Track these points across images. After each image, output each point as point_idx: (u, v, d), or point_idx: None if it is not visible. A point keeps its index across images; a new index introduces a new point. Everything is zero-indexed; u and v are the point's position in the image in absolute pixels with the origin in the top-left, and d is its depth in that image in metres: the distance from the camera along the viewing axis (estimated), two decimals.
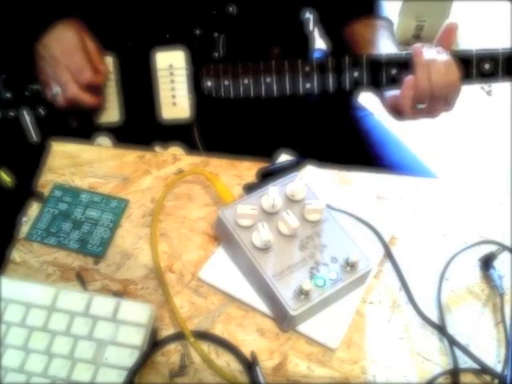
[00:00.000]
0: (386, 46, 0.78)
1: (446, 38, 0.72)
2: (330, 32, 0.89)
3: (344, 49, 0.84)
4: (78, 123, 0.77)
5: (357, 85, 0.74)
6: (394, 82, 0.73)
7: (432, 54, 0.70)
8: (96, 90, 0.74)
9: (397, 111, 0.74)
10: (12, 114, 0.76)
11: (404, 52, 0.73)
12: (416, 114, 0.73)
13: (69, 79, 0.71)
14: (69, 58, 0.72)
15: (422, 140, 1.58)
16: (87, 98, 0.73)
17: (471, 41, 2.04)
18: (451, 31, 0.72)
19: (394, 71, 0.72)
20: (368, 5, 0.85)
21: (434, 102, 0.71)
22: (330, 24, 0.88)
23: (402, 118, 0.75)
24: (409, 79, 0.70)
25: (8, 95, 0.76)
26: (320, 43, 0.93)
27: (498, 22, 2.02)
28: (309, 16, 0.86)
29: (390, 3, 0.89)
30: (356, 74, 0.73)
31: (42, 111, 0.76)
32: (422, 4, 1.94)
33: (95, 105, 0.75)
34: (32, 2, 0.73)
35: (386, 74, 0.73)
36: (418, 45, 0.71)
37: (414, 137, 1.08)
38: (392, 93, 0.74)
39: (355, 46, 0.82)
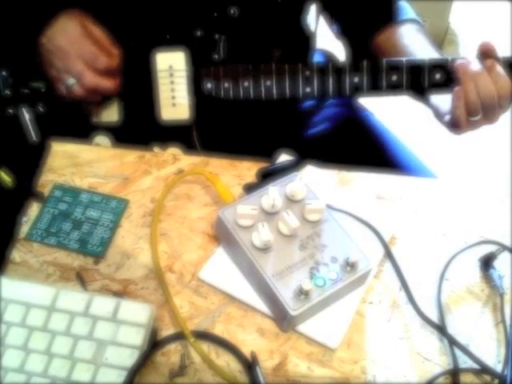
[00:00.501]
0: (419, 50, 0.77)
1: (486, 55, 0.69)
2: (354, 45, 0.88)
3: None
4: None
5: (357, 90, 0.74)
6: (394, 87, 0.73)
7: (477, 67, 0.69)
8: (113, 73, 0.73)
9: (455, 126, 0.72)
10: (11, 111, 0.76)
11: (404, 58, 0.72)
12: (473, 125, 0.72)
13: (84, 68, 0.71)
14: (78, 47, 0.71)
15: (422, 140, 1.58)
16: (107, 83, 0.72)
17: (471, 41, 2.04)
18: (488, 50, 0.69)
19: (394, 77, 0.72)
20: (386, 13, 0.84)
21: (487, 112, 0.70)
22: (353, 37, 0.87)
23: (461, 132, 0.73)
24: (457, 91, 0.69)
25: (7, 92, 0.76)
26: (321, 44, 0.93)
27: (498, 22, 2.02)
28: (311, 18, 0.86)
29: None
30: (356, 79, 0.73)
31: (41, 108, 0.76)
32: (422, 4, 1.94)
33: (115, 88, 0.74)
34: None
35: (386, 79, 0.72)
36: (462, 60, 0.70)
37: (414, 137, 1.08)
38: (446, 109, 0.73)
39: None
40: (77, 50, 0.71)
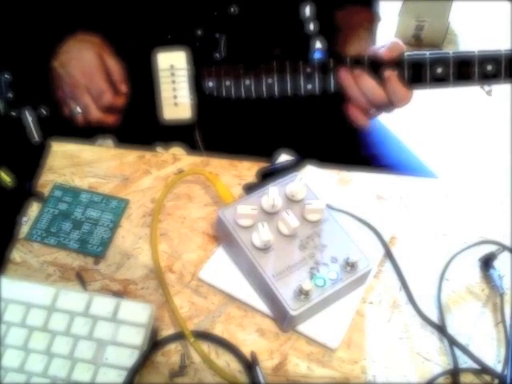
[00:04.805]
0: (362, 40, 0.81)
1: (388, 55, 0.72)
2: (321, 14, 0.89)
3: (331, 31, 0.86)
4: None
5: None
6: None
7: (360, 76, 0.72)
8: (115, 111, 0.75)
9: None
10: (14, 113, 0.76)
11: (406, 53, 0.73)
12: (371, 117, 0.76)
13: (90, 102, 0.73)
14: (88, 79, 0.72)
15: (422, 140, 1.58)
16: (108, 120, 0.74)
17: (471, 41, 2.05)
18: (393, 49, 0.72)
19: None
20: None
21: (381, 110, 0.75)
22: (323, 8, 0.88)
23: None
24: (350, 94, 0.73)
25: (10, 95, 0.76)
26: (320, 43, 0.93)
27: (498, 22, 2.02)
28: (309, 15, 0.86)
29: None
30: None
31: (44, 111, 0.76)
32: (422, 4, 1.94)
33: (115, 125, 0.76)
34: (34, 9, 0.73)
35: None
36: (343, 71, 0.72)
37: (414, 137, 1.08)
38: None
39: (342, 30, 0.84)
40: (86, 83, 0.72)
